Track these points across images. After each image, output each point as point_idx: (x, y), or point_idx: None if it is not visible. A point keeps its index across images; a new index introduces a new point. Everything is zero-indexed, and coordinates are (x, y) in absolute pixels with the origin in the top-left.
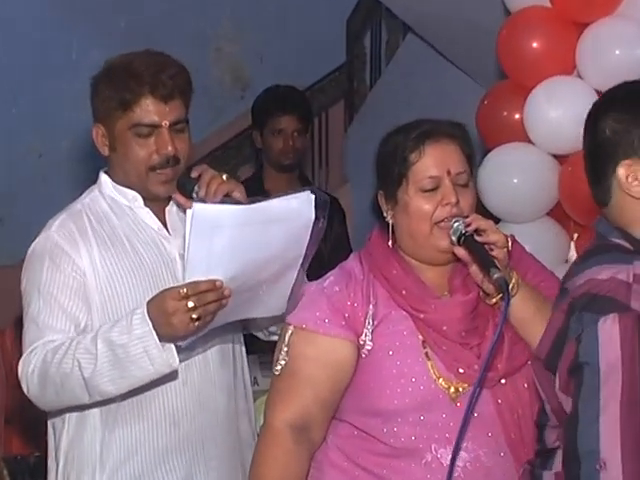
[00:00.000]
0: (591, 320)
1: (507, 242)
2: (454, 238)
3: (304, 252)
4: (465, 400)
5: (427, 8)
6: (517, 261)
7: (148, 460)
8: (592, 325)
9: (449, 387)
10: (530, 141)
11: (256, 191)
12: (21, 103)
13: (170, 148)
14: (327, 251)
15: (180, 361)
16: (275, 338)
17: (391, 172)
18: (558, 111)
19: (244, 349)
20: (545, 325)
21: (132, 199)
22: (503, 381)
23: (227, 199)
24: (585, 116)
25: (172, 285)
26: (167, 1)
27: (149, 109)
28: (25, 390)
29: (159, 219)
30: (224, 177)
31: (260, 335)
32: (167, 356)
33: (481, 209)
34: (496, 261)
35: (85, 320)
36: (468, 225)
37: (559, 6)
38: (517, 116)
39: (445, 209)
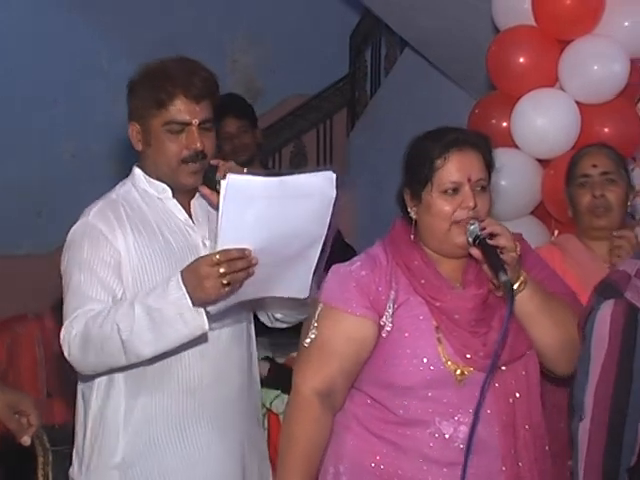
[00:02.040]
0: (597, 302)
1: (516, 247)
2: (470, 239)
3: (326, 231)
4: (469, 382)
5: (423, 25)
6: (524, 259)
7: (166, 426)
8: (597, 305)
9: (456, 369)
10: (516, 146)
11: None
12: (56, 109)
13: (199, 144)
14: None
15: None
16: (279, 325)
17: (418, 174)
18: (542, 119)
19: (253, 328)
20: (552, 320)
21: (162, 191)
22: (503, 368)
23: None
24: (566, 125)
25: None
26: (189, 17)
27: (181, 108)
28: (66, 354)
29: (185, 210)
30: (244, 170)
31: (265, 321)
32: (199, 319)
33: None
34: (505, 264)
35: (120, 294)
36: (483, 229)
37: (543, 25)
38: (505, 124)
39: (464, 211)
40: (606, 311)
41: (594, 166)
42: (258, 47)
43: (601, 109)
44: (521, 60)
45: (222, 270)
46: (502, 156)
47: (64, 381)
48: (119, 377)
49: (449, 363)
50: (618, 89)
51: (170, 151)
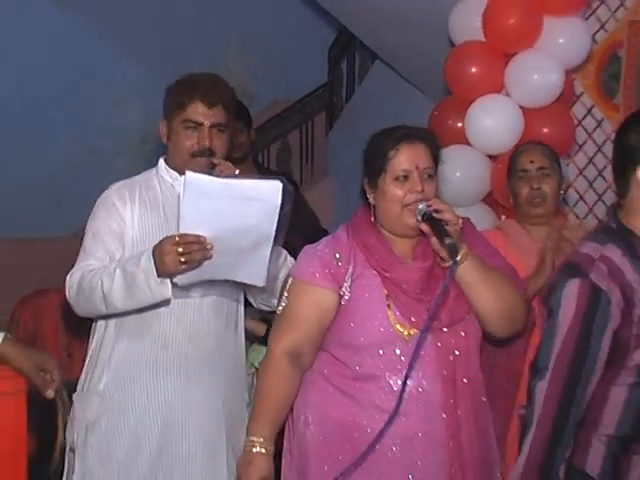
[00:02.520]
0: (563, 279)
1: (458, 220)
2: (419, 217)
3: (274, 232)
4: (413, 342)
5: (390, 41)
6: (469, 237)
7: (142, 369)
8: (563, 283)
9: (403, 331)
10: (469, 144)
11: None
12: (73, 114)
13: (207, 142)
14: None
15: (175, 297)
16: (264, 307)
17: (374, 164)
18: (490, 121)
19: (242, 307)
20: (489, 289)
21: (175, 178)
22: (445, 329)
23: None
24: (511, 125)
25: None
26: (189, 33)
27: (197, 111)
28: (67, 296)
29: None
30: (236, 172)
31: (252, 302)
32: (162, 288)
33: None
34: (449, 233)
35: (119, 256)
36: (430, 206)
37: (491, 41)
38: (459, 124)
39: (413, 195)
40: (572, 288)
41: (531, 162)
42: (250, 58)
43: (540, 112)
44: (473, 70)
45: (180, 250)
46: (457, 152)
47: (81, 343)
48: (111, 323)
49: (397, 326)
50: (555, 96)
51: (184, 145)
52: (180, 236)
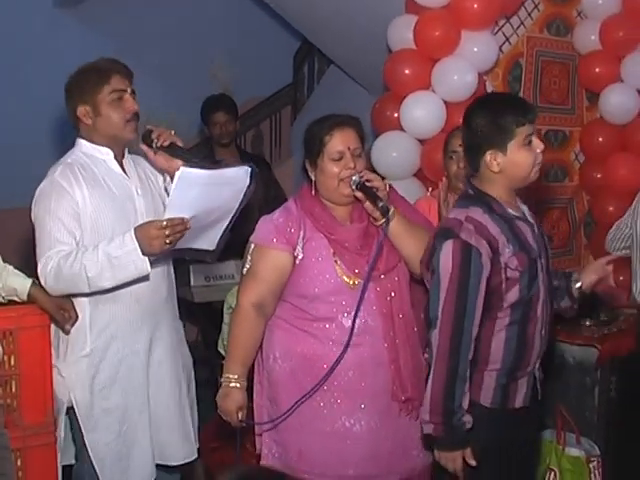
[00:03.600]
0: (439, 242)
1: (386, 187)
2: (354, 186)
3: (237, 206)
4: (359, 289)
5: (342, 48)
6: (394, 200)
7: (122, 326)
8: (439, 245)
9: (349, 281)
10: (403, 130)
11: (211, 160)
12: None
13: (135, 107)
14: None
15: None
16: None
17: (314, 148)
18: (420, 112)
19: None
20: (413, 240)
21: (106, 153)
22: (382, 276)
23: (173, 146)
24: (436, 116)
25: (134, 211)
26: (184, 46)
27: (119, 81)
28: (42, 282)
29: (121, 167)
30: (172, 132)
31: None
32: (146, 264)
33: (373, 172)
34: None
35: (79, 236)
36: (362, 177)
37: (421, 49)
38: (395, 114)
39: (347, 171)
40: (447, 248)
41: (460, 145)
42: (230, 64)
43: (459, 106)
44: (406, 72)
45: (167, 232)
46: (393, 136)
47: None
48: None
49: (344, 277)
50: (471, 93)
51: (115, 115)
52: (168, 221)
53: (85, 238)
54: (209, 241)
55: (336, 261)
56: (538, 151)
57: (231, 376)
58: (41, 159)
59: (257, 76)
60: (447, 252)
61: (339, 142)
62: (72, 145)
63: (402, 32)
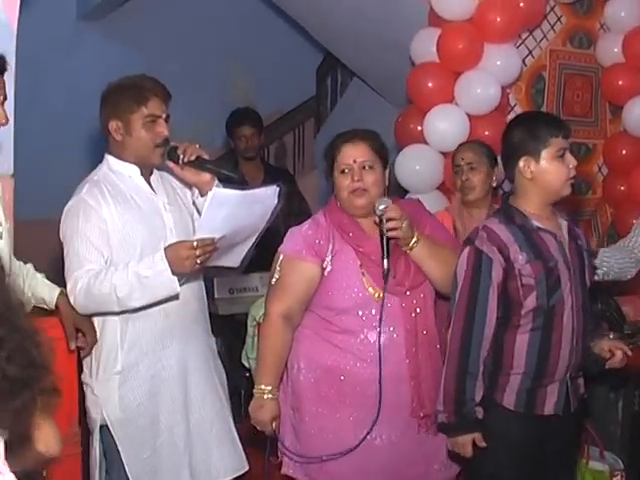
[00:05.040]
0: (461, 250)
1: (402, 224)
2: (377, 213)
3: (264, 225)
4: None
5: (365, 62)
6: (420, 219)
7: (152, 342)
8: (461, 252)
9: (374, 293)
10: (427, 143)
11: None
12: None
13: (166, 132)
14: (297, 202)
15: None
16: None
17: (328, 162)
18: (443, 125)
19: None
20: (437, 263)
21: (133, 171)
22: (408, 293)
23: (200, 159)
24: (460, 129)
25: (163, 227)
26: (203, 54)
27: (156, 106)
28: (72, 301)
29: (148, 183)
30: (197, 146)
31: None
32: (175, 284)
33: (397, 185)
34: (394, 234)
35: (108, 254)
36: (385, 210)
37: (444, 62)
38: (419, 128)
39: (353, 184)
40: (464, 255)
41: (462, 159)
42: (253, 77)
43: (482, 119)
44: (429, 85)
45: (198, 253)
46: (417, 149)
47: None
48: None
49: (370, 289)
50: (494, 106)
51: (147, 137)
52: (199, 241)
53: (114, 255)
54: (234, 259)
55: (363, 273)
56: (571, 166)
57: (264, 387)
58: (67, 171)
59: (280, 89)
60: (463, 257)
61: (346, 156)
62: (99, 158)
63: (425, 45)
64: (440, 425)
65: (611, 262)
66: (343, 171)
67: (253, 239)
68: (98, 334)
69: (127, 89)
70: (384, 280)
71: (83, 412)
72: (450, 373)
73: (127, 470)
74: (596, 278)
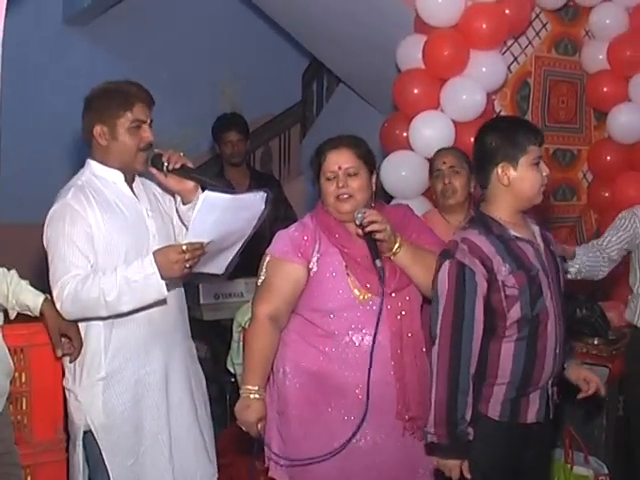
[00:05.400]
0: (440, 263)
1: (385, 228)
2: (357, 222)
3: (250, 231)
4: (370, 304)
5: (350, 68)
6: (407, 224)
7: (135, 347)
8: (439, 266)
9: (360, 295)
10: (412, 149)
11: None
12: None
13: (151, 137)
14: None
15: None
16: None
17: (314, 169)
18: (429, 131)
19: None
20: (421, 268)
21: (117, 176)
22: (393, 295)
23: (185, 167)
24: (445, 135)
25: (146, 233)
26: (194, 65)
27: (141, 111)
28: (59, 307)
29: (130, 189)
30: (181, 154)
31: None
32: (162, 288)
33: (382, 190)
34: (379, 241)
35: (93, 260)
36: (365, 217)
37: (430, 68)
38: (404, 134)
39: (338, 190)
40: (444, 268)
41: (444, 163)
42: (239, 82)
43: (468, 125)
44: (415, 91)
45: (187, 257)
46: (402, 156)
47: None
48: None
49: (356, 291)
50: (479, 112)
51: (131, 143)
52: (188, 245)
53: (99, 260)
54: (219, 265)
55: (349, 274)
56: (544, 174)
57: (250, 387)
58: (52, 175)
59: (266, 94)
60: (444, 272)
61: (331, 162)
62: (82, 163)
63: (411, 52)
64: (430, 445)
65: (583, 259)
66: (329, 178)
67: (239, 245)
68: (82, 339)
69: (112, 94)
70: (379, 278)
71: (65, 418)
72: (441, 393)
73: (111, 477)
74: (568, 276)
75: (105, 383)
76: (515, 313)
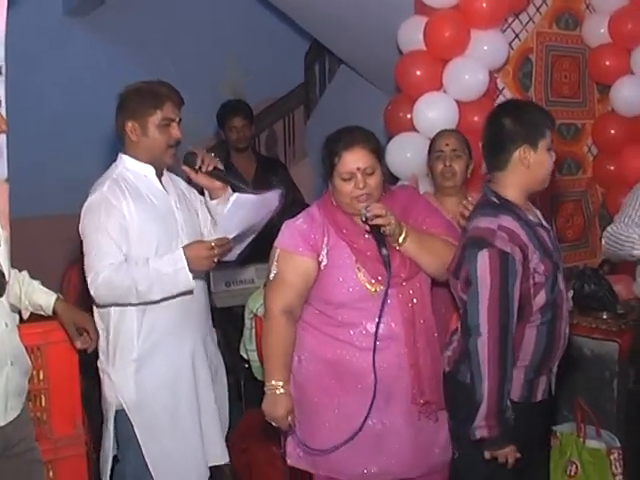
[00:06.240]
0: (473, 253)
1: (390, 221)
2: (362, 219)
3: (264, 224)
4: (380, 295)
5: (352, 49)
6: (413, 206)
7: (166, 331)
8: (473, 256)
9: (371, 288)
10: (416, 131)
11: (226, 167)
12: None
13: (179, 135)
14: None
15: None
16: None
17: (327, 166)
18: (433, 112)
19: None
20: (429, 255)
21: (148, 170)
22: (404, 283)
23: (216, 170)
24: (449, 116)
25: (175, 224)
26: (199, 50)
27: (170, 109)
28: (92, 293)
29: (160, 183)
30: (213, 155)
31: None
32: (191, 282)
33: (388, 172)
34: (385, 236)
35: (126, 249)
36: (369, 211)
37: (431, 50)
38: (408, 115)
39: (357, 191)
40: (484, 258)
41: (447, 145)
42: (242, 66)
43: (471, 105)
44: (417, 73)
45: (216, 252)
46: (407, 137)
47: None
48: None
49: (366, 284)
50: (482, 91)
51: (162, 139)
52: (217, 241)
53: (132, 249)
54: (233, 254)
55: (358, 268)
56: (553, 159)
57: (275, 383)
58: (55, 166)
59: (269, 77)
60: (484, 261)
61: (348, 163)
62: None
63: (412, 34)
64: (479, 441)
65: None
66: (345, 178)
67: (251, 237)
68: (117, 322)
69: (144, 93)
70: (385, 267)
71: (98, 398)
72: (492, 384)
73: (144, 453)
74: None
75: (138, 364)
76: (541, 299)
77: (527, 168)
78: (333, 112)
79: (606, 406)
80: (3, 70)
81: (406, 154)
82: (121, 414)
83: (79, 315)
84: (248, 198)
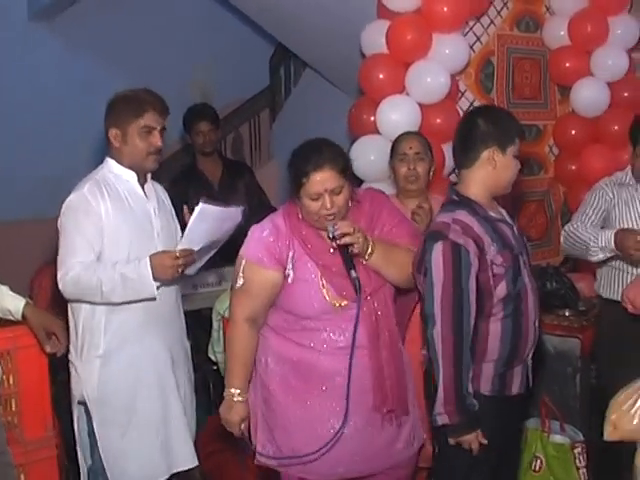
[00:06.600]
0: (430, 245)
1: (358, 239)
2: (330, 235)
3: (225, 239)
4: (345, 309)
5: (316, 53)
6: (380, 213)
7: (133, 330)
8: (430, 248)
9: (336, 303)
10: (379, 133)
11: (192, 171)
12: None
13: (160, 143)
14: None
15: None
16: None
17: (294, 185)
18: (395, 115)
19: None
20: (394, 267)
21: (130, 175)
22: (369, 297)
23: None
24: (412, 118)
25: (151, 230)
26: (166, 53)
27: (152, 118)
28: (60, 287)
29: (142, 189)
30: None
31: None
32: (153, 289)
33: (352, 174)
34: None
35: (99, 248)
36: (336, 230)
37: (394, 53)
38: (372, 118)
39: (324, 210)
40: (438, 250)
41: (410, 148)
42: (209, 69)
43: (434, 107)
44: (380, 76)
45: (180, 262)
46: (370, 140)
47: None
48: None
49: (332, 300)
50: (444, 94)
51: (142, 146)
52: (181, 252)
53: (105, 250)
54: (194, 268)
55: (323, 285)
56: (517, 168)
57: (233, 390)
58: (23, 172)
59: (234, 80)
60: (438, 253)
61: (316, 184)
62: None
63: (375, 37)
64: (442, 427)
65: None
66: (312, 198)
67: (214, 250)
68: (86, 318)
69: (129, 101)
70: (355, 290)
71: (68, 390)
72: (448, 371)
73: (100, 447)
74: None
75: (102, 360)
76: (501, 291)
77: (493, 169)
78: (298, 115)
79: (569, 401)
80: None
81: (370, 156)
82: (83, 408)
83: (48, 319)
84: (214, 210)
